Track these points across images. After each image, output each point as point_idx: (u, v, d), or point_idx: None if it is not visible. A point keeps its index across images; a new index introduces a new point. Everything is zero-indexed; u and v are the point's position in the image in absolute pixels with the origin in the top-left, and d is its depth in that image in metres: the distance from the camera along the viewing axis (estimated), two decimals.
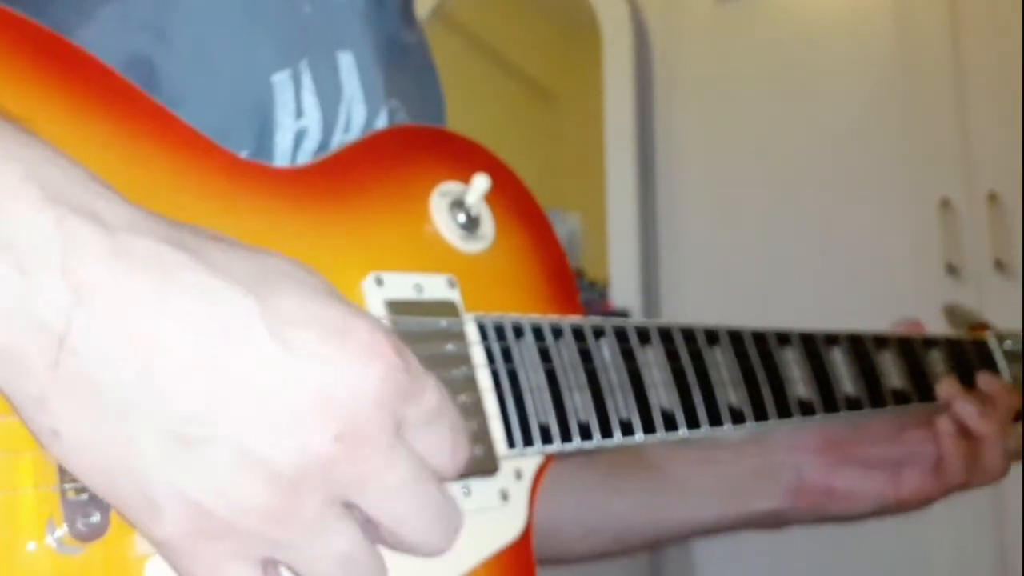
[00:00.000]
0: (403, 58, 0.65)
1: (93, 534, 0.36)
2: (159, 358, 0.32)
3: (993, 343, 0.82)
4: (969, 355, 0.80)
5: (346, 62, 0.58)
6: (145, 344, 0.32)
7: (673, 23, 2.55)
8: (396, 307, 0.48)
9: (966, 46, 2.20)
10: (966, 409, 0.74)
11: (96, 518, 0.36)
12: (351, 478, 0.34)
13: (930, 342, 0.77)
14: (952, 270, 2.11)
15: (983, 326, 0.84)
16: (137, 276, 0.32)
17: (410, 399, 0.36)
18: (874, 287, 2.15)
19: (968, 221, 2.13)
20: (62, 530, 0.36)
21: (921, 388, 0.74)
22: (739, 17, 2.47)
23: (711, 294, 2.35)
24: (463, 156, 0.56)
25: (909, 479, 0.74)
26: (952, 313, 0.88)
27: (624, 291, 2.37)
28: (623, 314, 2.27)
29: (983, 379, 0.78)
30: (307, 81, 0.55)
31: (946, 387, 0.75)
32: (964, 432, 0.74)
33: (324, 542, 0.34)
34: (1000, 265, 2.08)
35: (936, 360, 0.77)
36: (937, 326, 0.83)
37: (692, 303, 2.37)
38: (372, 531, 0.36)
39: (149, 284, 0.32)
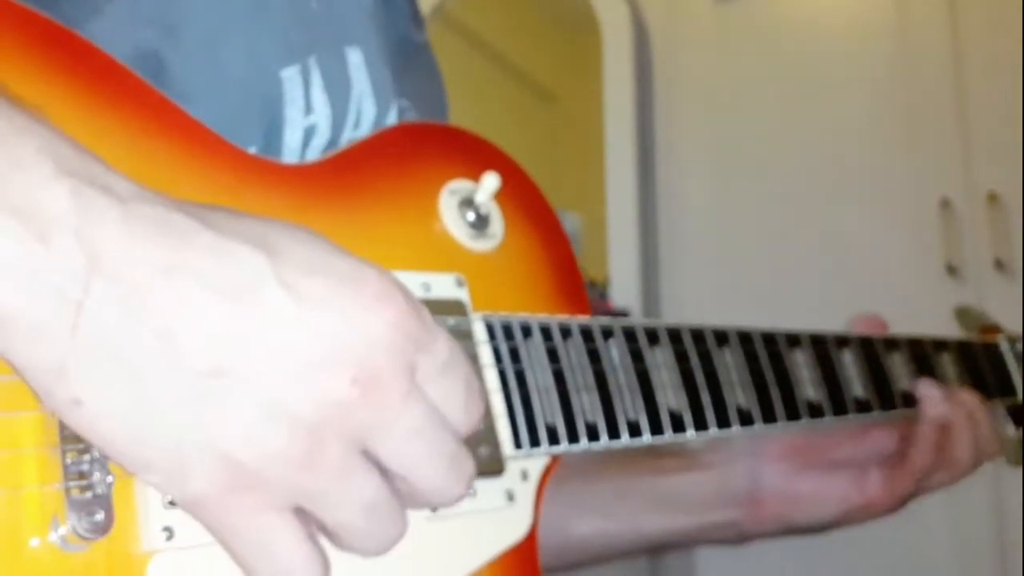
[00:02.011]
0: (412, 58, 0.65)
1: (97, 532, 0.36)
2: (176, 318, 0.33)
3: (1004, 346, 0.82)
4: (980, 358, 0.79)
5: (355, 58, 0.58)
6: (162, 306, 0.33)
7: (673, 23, 2.55)
8: None
9: (966, 46, 2.21)
10: (931, 392, 0.71)
11: (100, 516, 0.36)
12: (369, 421, 0.35)
13: (941, 345, 0.76)
14: (952, 270, 2.11)
15: (994, 329, 0.83)
16: (150, 241, 0.33)
17: (423, 347, 0.36)
18: (874, 287, 2.15)
19: (968, 221, 2.13)
20: (66, 528, 0.35)
21: None
22: (739, 17, 2.47)
23: (711, 294, 2.35)
24: (473, 154, 0.55)
25: (874, 479, 0.71)
26: (963, 315, 0.87)
27: (624, 291, 2.37)
28: (623, 314, 2.27)
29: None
30: (316, 77, 0.55)
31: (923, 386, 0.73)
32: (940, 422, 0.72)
33: (349, 488, 0.35)
34: (1000, 265, 2.08)
35: (946, 363, 0.76)
36: (937, 326, 0.82)
37: (692, 303, 2.38)
38: (390, 482, 0.37)
39: (162, 248, 0.33)
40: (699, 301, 2.36)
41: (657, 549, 0.75)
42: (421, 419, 0.36)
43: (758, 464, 0.72)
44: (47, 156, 0.32)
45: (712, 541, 0.75)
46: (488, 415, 0.49)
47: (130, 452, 0.34)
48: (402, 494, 0.38)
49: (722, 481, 0.72)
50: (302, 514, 0.36)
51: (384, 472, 0.37)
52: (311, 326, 0.34)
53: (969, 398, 0.73)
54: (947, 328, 0.86)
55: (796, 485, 0.71)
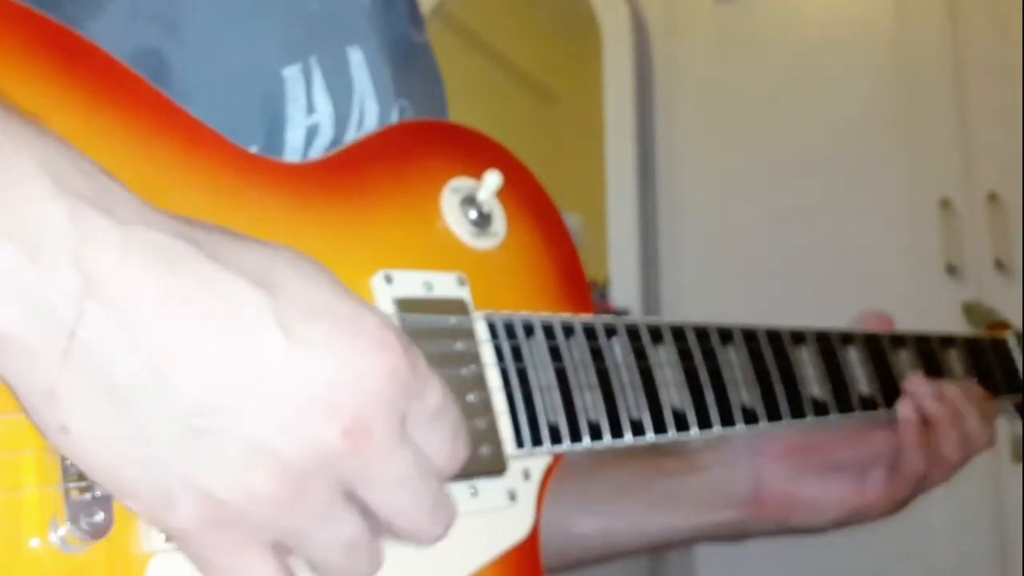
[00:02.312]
0: (411, 59, 0.65)
1: (96, 533, 0.36)
2: (169, 350, 0.32)
3: (1012, 342, 0.81)
4: (987, 354, 0.79)
5: (356, 58, 0.58)
6: (155, 337, 0.32)
7: (673, 23, 2.54)
8: (405, 305, 0.48)
9: (966, 46, 2.20)
10: (919, 388, 0.70)
11: (99, 517, 0.36)
12: (356, 471, 0.35)
13: (948, 341, 0.76)
14: (952, 270, 2.11)
15: (1002, 325, 0.83)
16: (148, 268, 0.32)
17: (414, 396, 0.36)
18: (874, 287, 2.15)
19: (968, 221, 2.13)
20: (65, 529, 0.35)
21: None
22: (739, 17, 2.47)
23: (711, 294, 2.35)
24: (475, 152, 0.55)
25: (873, 481, 0.70)
26: (971, 311, 0.86)
27: (624, 291, 2.36)
28: (623, 314, 2.26)
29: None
30: (318, 77, 0.55)
31: (911, 383, 0.72)
32: (924, 420, 0.70)
33: (331, 529, 0.35)
34: (1000, 265, 2.08)
35: (954, 359, 0.75)
36: (938, 326, 0.81)
37: (692, 303, 2.37)
38: (370, 520, 0.37)
39: (159, 276, 0.32)
40: (699, 301, 2.36)
41: (658, 548, 0.75)
42: (407, 469, 0.36)
43: (758, 465, 0.71)
44: (46, 173, 0.32)
45: (711, 540, 0.75)
46: (490, 414, 0.48)
47: (114, 481, 0.33)
48: (383, 532, 0.38)
49: (723, 481, 0.72)
50: (282, 547, 0.36)
51: (365, 511, 0.37)
52: (306, 371, 0.34)
53: (954, 392, 0.71)
54: (947, 328, 0.85)
55: (796, 488, 0.71)
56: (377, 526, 0.37)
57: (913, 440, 0.69)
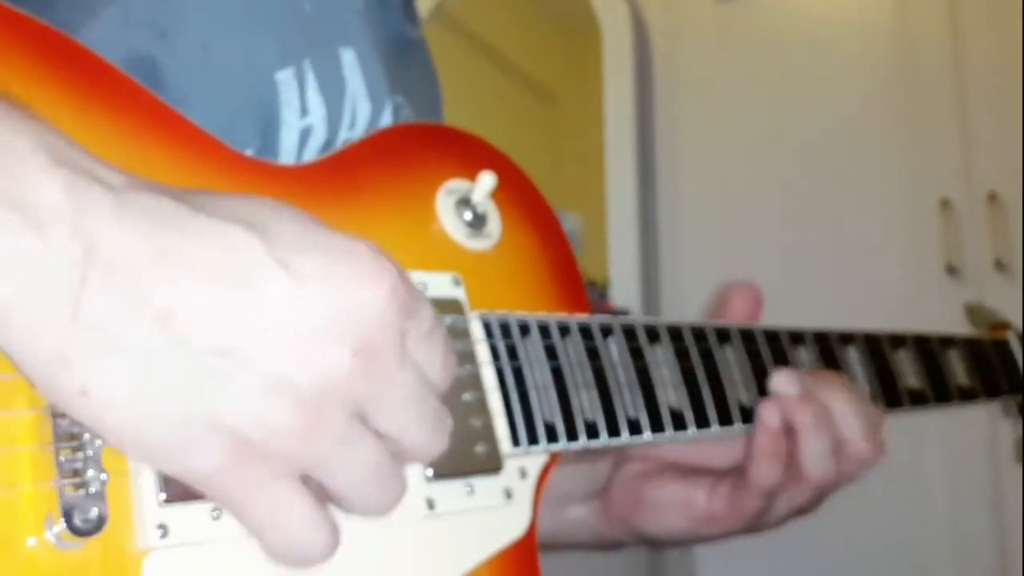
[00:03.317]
0: (407, 55, 0.65)
1: (91, 529, 0.36)
2: (174, 302, 0.33)
3: (1014, 343, 0.80)
4: (989, 355, 0.78)
5: (348, 59, 0.58)
6: (159, 291, 0.33)
7: (673, 23, 2.55)
8: None
9: (966, 46, 2.21)
10: (786, 387, 0.59)
11: (94, 513, 0.36)
12: (367, 392, 0.36)
13: (948, 341, 0.75)
14: (952, 270, 2.11)
15: (1004, 325, 0.82)
16: (143, 227, 0.33)
17: (412, 314, 0.38)
18: (874, 287, 2.15)
19: (968, 221, 2.13)
20: (60, 525, 0.36)
21: (938, 388, 0.72)
22: (739, 17, 2.47)
23: (711, 294, 2.35)
24: (470, 153, 0.55)
25: (720, 492, 0.60)
26: (973, 312, 0.84)
27: (624, 291, 2.37)
28: (623, 314, 2.26)
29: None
30: (311, 79, 0.55)
31: (778, 380, 0.60)
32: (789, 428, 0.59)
33: (353, 453, 0.37)
34: (1000, 265, 2.08)
35: (954, 360, 0.74)
36: (937, 326, 0.81)
37: (692, 303, 2.37)
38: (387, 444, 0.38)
39: (155, 234, 0.33)
40: (699, 301, 2.36)
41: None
42: (412, 384, 0.38)
43: (620, 461, 0.65)
44: (41, 149, 0.33)
45: (576, 544, 0.67)
46: (486, 413, 0.49)
47: (136, 437, 0.34)
48: (395, 454, 0.39)
49: (587, 476, 0.66)
50: (310, 481, 0.36)
51: (379, 435, 0.38)
52: (308, 301, 0.35)
53: (827, 391, 0.60)
54: (947, 328, 0.85)
55: (644, 486, 0.63)
56: (393, 449, 0.38)
57: (765, 448, 0.58)
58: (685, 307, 2.37)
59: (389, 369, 0.36)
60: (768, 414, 0.58)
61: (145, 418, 0.34)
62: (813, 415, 0.58)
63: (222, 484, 0.35)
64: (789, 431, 0.58)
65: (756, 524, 0.61)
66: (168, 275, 0.33)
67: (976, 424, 1.99)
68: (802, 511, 0.62)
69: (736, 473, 0.60)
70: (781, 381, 0.59)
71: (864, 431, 0.60)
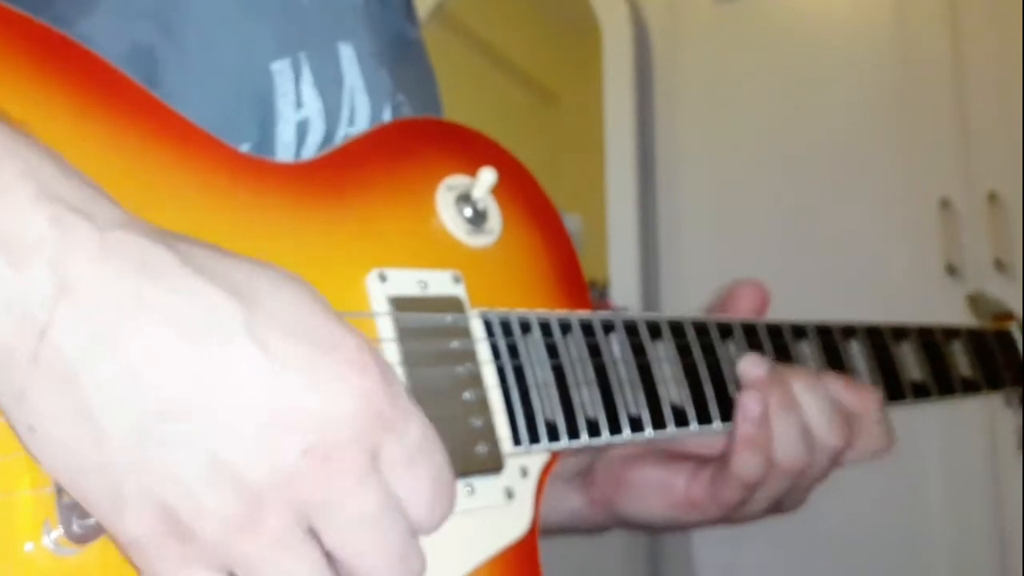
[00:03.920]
0: (406, 53, 0.65)
1: (88, 535, 0.36)
2: (137, 356, 0.32)
3: (1017, 333, 0.79)
4: (991, 345, 0.77)
5: (347, 53, 0.58)
6: (125, 341, 0.32)
7: (673, 23, 2.54)
8: (400, 303, 0.48)
9: (966, 46, 2.20)
10: (749, 363, 0.57)
11: (91, 520, 0.36)
12: (316, 498, 0.33)
13: (951, 333, 0.74)
14: (952, 270, 2.11)
15: (1007, 316, 0.81)
16: (123, 273, 0.32)
17: (390, 429, 0.34)
18: (874, 287, 2.15)
19: (968, 221, 2.13)
20: (58, 531, 0.35)
21: (941, 380, 0.71)
22: (739, 17, 2.47)
23: (711, 294, 2.35)
24: (470, 149, 0.55)
25: (701, 479, 0.59)
26: (976, 302, 0.83)
27: (624, 291, 2.36)
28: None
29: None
30: (306, 71, 0.55)
31: (746, 362, 0.58)
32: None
33: (282, 563, 0.33)
34: (1000, 265, 2.07)
35: (957, 351, 0.73)
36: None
37: (692, 303, 2.37)
38: (335, 566, 0.35)
39: (134, 281, 0.32)
40: (699, 301, 2.34)
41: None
42: (373, 507, 0.34)
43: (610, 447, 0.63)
44: (30, 180, 0.32)
45: (566, 527, 0.66)
46: (486, 412, 0.48)
47: (71, 484, 0.33)
48: None
49: (575, 460, 0.65)
50: None
51: (328, 554, 0.34)
52: (273, 386, 0.33)
53: (792, 377, 0.58)
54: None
55: (626, 468, 0.62)
56: (341, 571, 0.35)
57: (748, 437, 0.56)
58: (685, 307, 2.36)
59: (344, 480, 0.33)
60: (750, 403, 0.56)
61: (81, 467, 0.32)
62: (779, 398, 0.57)
63: (140, 553, 0.33)
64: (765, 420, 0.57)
65: (735, 515, 0.60)
66: (138, 327, 0.32)
67: (975, 417, 1.99)
68: (780, 505, 0.60)
69: (719, 461, 0.58)
70: (748, 362, 0.58)
71: (828, 419, 0.58)
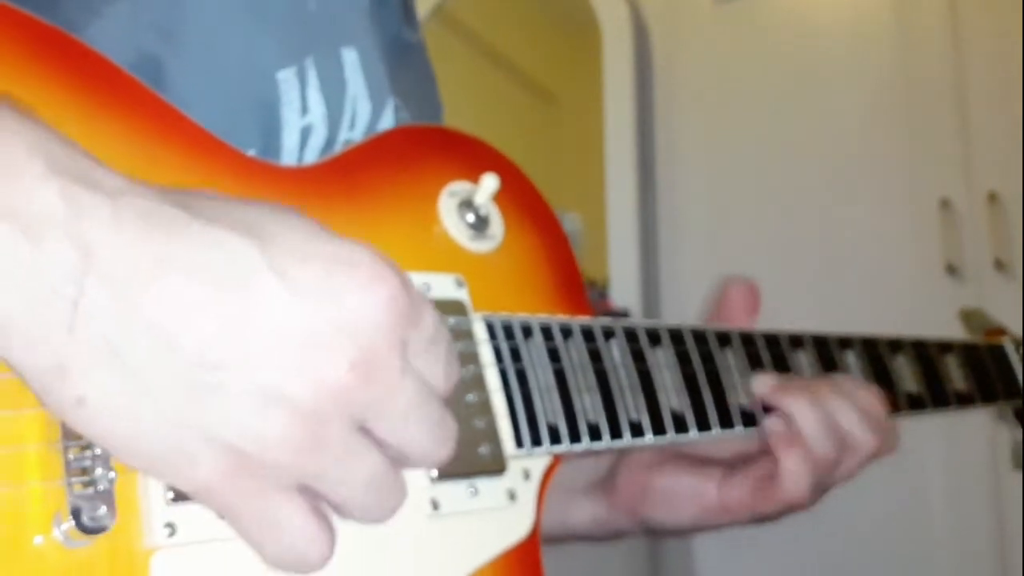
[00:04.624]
0: (405, 57, 0.65)
1: (99, 527, 0.36)
2: (170, 311, 0.33)
3: (1010, 348, 0.81)
4: (985, 360, 0.78)
5: (350, 59, 0.58)
6: (155, 301, 0.33)
7: (673, 23, 2.55)
8: None
9: (966, 47, 2.21)
10: (760, 382, 0.60)
11: (102, 511, 0.36)
12: (367, 403, 0.36)
13: (945, 347, 0.75)
14: (952, 270, 2.11)
15: (1000, 331, 0.82)
16: (140, 235, 0.33)
17: (413, 323, 0.37)
18: (874, 287, 2.15)
19: (968, 221, 2.13)
20: (68, 524, 0.36)
21: (936, 393, 0.72)
22: (739, 17, 2.47)
23: (711, 293, 2.35)
24: (472, 156, 0.56)
25: (738, 485, 0.60)
26: (969, 317, 0.84)
27: (624, 291, 2.37)
28: (623, 314, 2.27)
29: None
30: (312, 78, 0.55)
31: (760, 383, 0.61)
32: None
33: (351, 466, 0.36)
34: (1000, 265, 2.08)
35: (952, 365, 0.74)
36: (937, 326, 0.81)
37: (692, 303, 2.37)
38: (386, 453, 0.38)
39: (152, 241, 0.33)
40: (699, 301, 2.35)
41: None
42: (413, 396, 0.37)
43: (623, 450, 0.63)
44: (38, 156, 0.33)
45: (578, 537, 0.67)
46: (489, 414, 0.49)
47: (134, 447, 0.34)
48: (395, 461, 0.39)
49: (591, 466, 0.66)
50: (307, 490, 0.36)
51: (379, 444, 0.37)
52: (306, 312, 0.34)
53: (822, 382, 0.61)
54: (947, 328, 0.85)
55: (652, 476, 0.63)
56: (394, 459, 0.38)
57: (798, 454, 0.59)
58: (685, 307, 2.37)
59: (389, 379, 0.36)
60: (772, 425, 0.59)
61: (141, 429, 0.33)
62: (805, 392, 0.59)
63: (219, 495, 0.35)
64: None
65: (756, 517, 0.62)
66: (164, 285, 0.33)
67: (976, 428, 1.99)
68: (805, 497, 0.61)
69: (745, 461, 0.61)
70: (760, 382, 0.61)
71: (858, 419, 0.60)
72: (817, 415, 0.59)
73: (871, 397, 0.62)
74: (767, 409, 0.61)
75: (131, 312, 0.33)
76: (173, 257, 0.33)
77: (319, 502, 0.37)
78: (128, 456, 0.34)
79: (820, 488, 0.61)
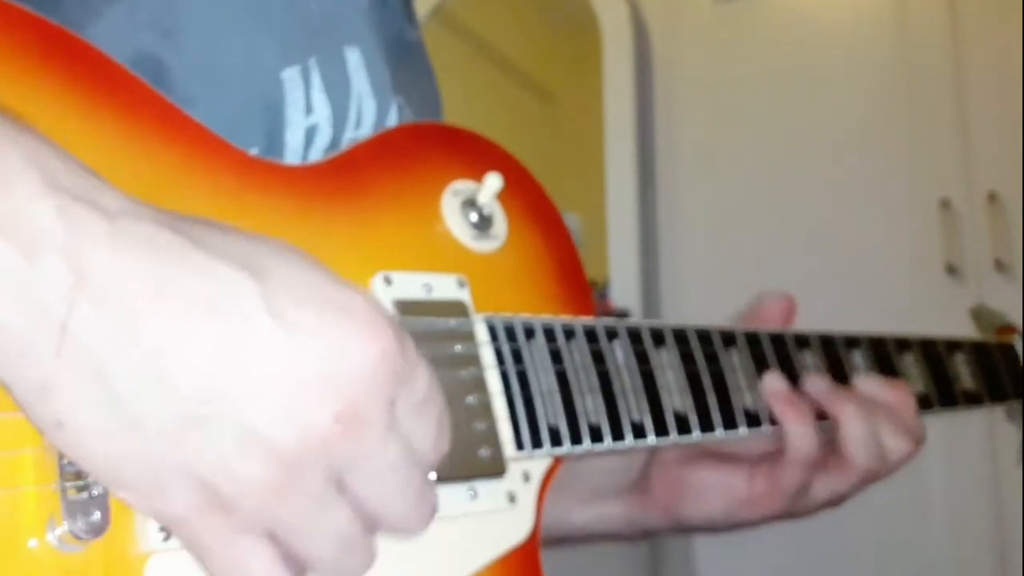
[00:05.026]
0: (406, 56, 0.65)
1: (93, 532, 0.36)
2: (160, 340, 0.32)
3: (1020, 346, 0.80)
4: (995, 359, 0.77)
5: (353, 58, 0.58)
6: (148, 327, 0.32)
7: (673, 23, 2.54)
8: (404, 307, 0.48)
9: (966, 46, 2.20)
10: (773, 388, 0.61)
11: (96, 516, 0.36)
12: (347, 456, 0.35)
13: (954, 345, 0.75)
14: (952, 270, 2.11)
15: (1010, 329, 0.81)
16: (137, 259, 0.33)
17: (403, 382, 0.36)
18: (874, 287, 2.15)
19: (968, 221, 2.13)
20: (63, 528, 0.35)
21: (944, 392, 0.72)
22: (739, 17, 2.47)
23: (711, 294, 2.35)
24: (476, 154, 0.55)
25: (763, 472, 0.62)
26: (979, 315, 0.83)
27: (624, 291, 2.37)
28: (623, 314, 2.27)
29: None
30: (316, 78, 0.55)
31: (769, 382, 0.62)
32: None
33: (320, 518, 0.35)
34: (1000, 265, 2.08)
35: (960, 363, 0.74)
36: (938, 326, 0.81)
37: (692, 303, 2.37)
38: (361, 513, 0.37)
39: (148, 267, 0.33)
40: (699, 301, 2.36)
41: (560, 542, 0.67)
42: (396, 456, 0.36)
43: (652, 451, 0.66)
44: (34, 169, 0.32)
45: (606, 537, 0.68)
46: (490, 416, 0.48)
47: (109, 474, 0.34)
48: (369, 524, 0.38)
49: (622, 468, 0.67)
50: (277, 538, 0.35)
51: (355, 502, 0.36)
52: (297, 356, 0.34)
53: (870, 386, 0.64)
54: (947, 328, 0.85)
55: (683, 473, 0.64)
56: (367, 520, 0.37)
57: (789, 415, 0.61)
58: (685, 307, 2.37)
59: (372, 437, 0.35)
60: (771, 382, 0.61)
61: (119, 457, 0.33)
62: (856, 403, 0.61)
63: (189, 530, 0.35)
64: (831, 418, 0.61)
65: (793, 508, 0.63)
66: (159, 311, 0.32)
67: (976, 428, 1.99)
68: (837, 500, 0.64)
69: (771, 456, 0.62)
70: (770, 380, 0.63)
71: (895, 427, 0.62)
72: (865, 429, 0.61)
73: (911, 409, 0.65)
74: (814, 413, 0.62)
75: (120, 336, 0.32)
76: (171, 285, 0.33)
77: (288, 552, 0.36)
78: (104, 480, 0.34)
79: (862, 484, 0.64)
